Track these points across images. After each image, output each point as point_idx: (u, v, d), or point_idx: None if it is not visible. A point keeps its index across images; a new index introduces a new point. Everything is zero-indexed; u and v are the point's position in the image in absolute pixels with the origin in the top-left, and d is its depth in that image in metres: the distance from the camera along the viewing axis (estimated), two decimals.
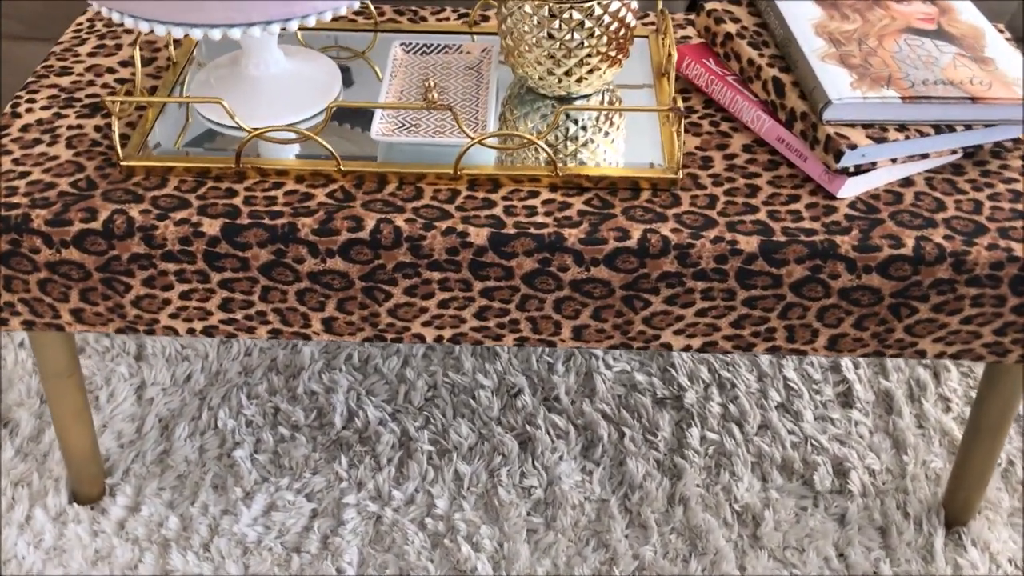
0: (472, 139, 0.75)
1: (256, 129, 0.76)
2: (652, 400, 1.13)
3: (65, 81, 0.87)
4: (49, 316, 0.79)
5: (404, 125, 0.81)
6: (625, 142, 0.82)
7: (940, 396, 1.14)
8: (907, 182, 0.78)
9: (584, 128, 0.83)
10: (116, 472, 1.05)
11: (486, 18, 0.97)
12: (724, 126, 0.84)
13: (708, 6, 0.88)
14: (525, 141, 0.78)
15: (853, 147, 0.73)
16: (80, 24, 0.96)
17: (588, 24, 0.78)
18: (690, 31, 0.96)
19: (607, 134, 0.82)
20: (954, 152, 0.78)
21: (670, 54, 0.83)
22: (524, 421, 1.11)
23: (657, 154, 0.80)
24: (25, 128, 0.82)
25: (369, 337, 0.80)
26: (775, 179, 0.78)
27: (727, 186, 0.78)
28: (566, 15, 0.77)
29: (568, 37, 0.78)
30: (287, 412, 1.11)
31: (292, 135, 0.77)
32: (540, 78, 0.82)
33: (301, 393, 1.13)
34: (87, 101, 0.85)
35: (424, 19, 0.97)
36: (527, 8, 0.78)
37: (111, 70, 0.89)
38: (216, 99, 0.74)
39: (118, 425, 1.10)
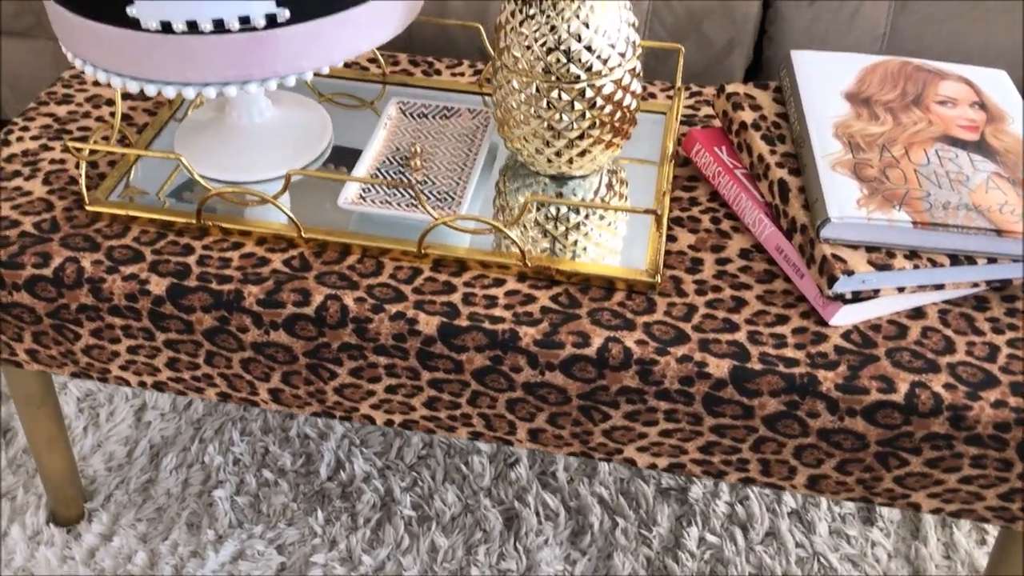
0: (435, 219, 0.71)
1: (217, 188, 0.73)
2: (655, 489, 1.06)
3: (63, 110, 0.87)
4: (7, 352, 0.78)
5: (378, 192, 0.77)
6: (611, 232, 0.75)
7: (976, 525, 1.03)
8: (918, 313, 0.69)
9: (566, 215, 0.77)
10: (98, 496, 1.05)
11: None
12: (725, 224, 0.77)
13: (729, 88, 0.81)
14: (487, 223, 0.73)
15: (850, 273, 0.65)
16: None
17: (578, 106, 0.72)
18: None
19: (589, 225, 0.76)
20: (976, 285, 0.69)
21: (679, 139, 0.76)
22: (514, 496, 1.05)
23: (642, 253, 0.73)
24: (9, 159, 0.81)
25: (317, 412, 0.76)
26: (766, 294, 0.71)
27: (710, 296, 0.70)
28: (554, 94, 0.72)
29: (557, 118, 0.73)
30: (275, 455, 1.08)
31: (252, 197, 0.73)
32: (530, 156, 0.77)
33: (294, 435, 1.11)
34: (76, 134, 0.84)
35: (438, 72, 0.93)
36: (515, 83, 0.73)
37: (110, 102, 0.88)
38: (176, 154, 0.71)
39: (111, 447, 1.10)
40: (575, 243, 0.75)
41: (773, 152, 0.75)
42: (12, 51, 1.44)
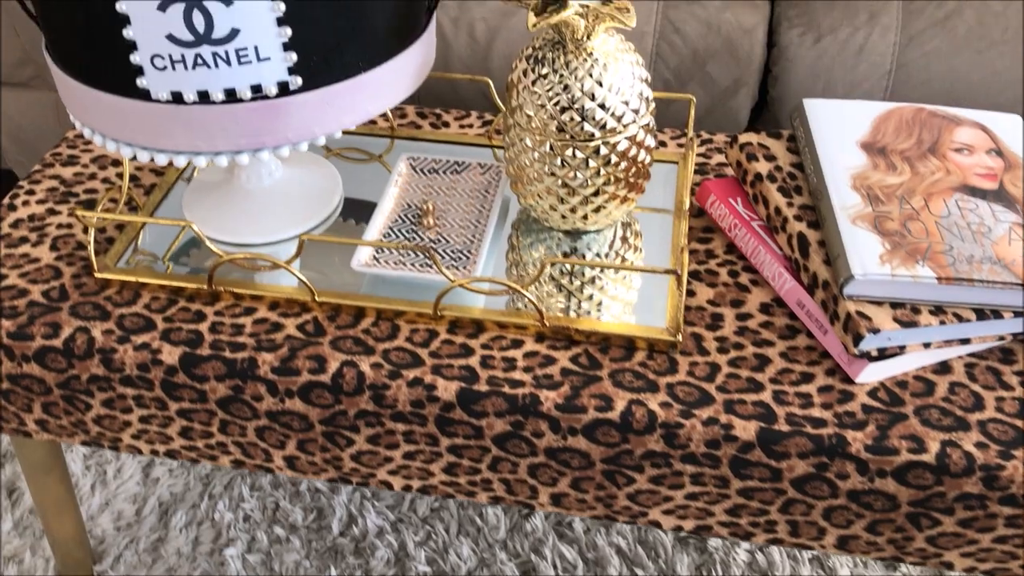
0: (452, 282, 0.69)
1: (228, 253, 0.71)
2: (674, 538, 1.04)
3: (68, 172, 0.86)
4: (15, 423, 0.77)
5: (392, 253, 0.76)
6: (626, 286, 0.74)
7: None
8: (944, 367, 0.68)
9: (581, 270, 0.76)
10: (107, 557, 1.03)
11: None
12: (743, 277, 0.76)
13: (742, 138, 0.80)
14: (503, 284, 0.72)
15: (876, 331, 0.64)
16: None
17: (593, 164, 0.71)
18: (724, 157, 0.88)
19: (604, 280, 0.75)
20: (1002, 337, 0.68)
21: (693, 190, 0.75)
22: (531, 548, 1.03)
23: (661, 307, 0.72)
24: (16, 224, 0.80)
25: (334, 478, 0.74)
26: (789, 351, 0.70)
27: (733, 354, 0.69)
28: (568, 153, 0.71)
29: (571, 176, 0.72)
30: (286, 510, 1.07)
31: (265, 263, 0.72)
32: (544, 212, 0.76)
33: (304, 490, 1.09)
34: (83, 197, 0.83)
35: (446, 124, 0.92)
36: (528, 141, 0.72)
37: (117, 162, 0.87)
38: (186, 222, 0.70)
39: (119, 505, 1.08)
40: (591, 298, 0.74)
41: (790, 204, 0.74)
42: (14, 102, 1.44)
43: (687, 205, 0.72)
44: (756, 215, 0.77)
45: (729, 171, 0.86)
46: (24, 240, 0.79)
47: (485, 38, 1.18)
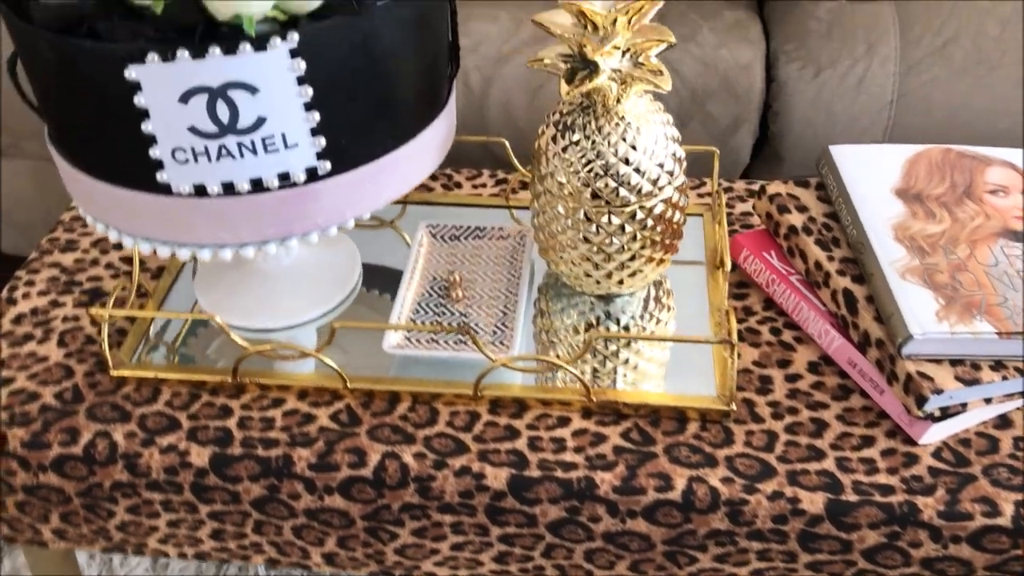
0: (493, 362, 0.66)
1: (255, 343, 0.68)
2: None
3: (68, 259, 0.81)
4: (29, 534, 0.72)
5: (418, 332, 0.73)
6: (662, 347, 0.72)
7: None
8: (1004, 421, 0.66)
9: (623, 340, 0.73)
10: None
11: (525, 184, 0.89)
12: (786, 335, 0.73)
13: (770, 189, 0.78)
14: (549, 362, 0.69)
15: (939, 392, 0.62)
16: None
17: (629, 228, 0.69)
18: (750, 205, 0.86)
19: (641, 344, 0.72)
20: None
21: (722, 260, 0.73)
22: None
23: (708, 374, 0.70)
24: (18, 319, 0.76)
25: (375, 572, 0.71)
26: (845, 412, 0.67)
27: (788, 420, 0.67)
28: (604, 219, 0.68)
29: (607, 242, 0.69)
30: None
31: (291, 351, 0.69)
32: (577, 278, 0.73)
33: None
34: (88, 286, 0.79)
35: (459, 185, 0.89)
36: (560, 209, 0.69)
37: (118, 245, 0.83)
38: (209, 315, 0.66)
39: None
40: (631, 365, 0.71)
41: (831, 258, 0.72)
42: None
43: (728, 266, 0.69)
44: (793, 269, 0.75)
45: (754, 220, 0.84)
46: (29, 337, 0.74)
47: (480, 87, 1.16)
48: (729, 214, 0.85)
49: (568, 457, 0.65)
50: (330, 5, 0.54)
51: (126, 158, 0.58)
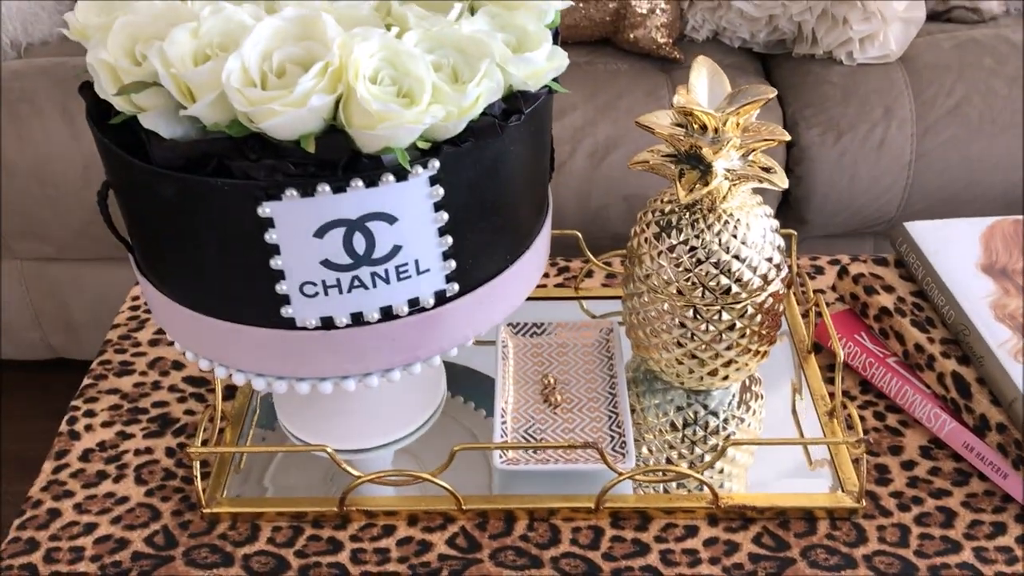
0: (621, 475, 0.64)
1: (369, 472, 0.64)
2: None
3: (127, 384, 0.77)
4: None
5: (526, 439, 0.70)
6: (783, 448, 0.70)
7: None
8: None
9: (713, 429, 0.72)
10: None
11: (590, 273, 0.87)
12: (891, 419, 0.73)
13: (853, 270, 0.78)
14: (681, 472, 0.67)
15: None
16: (136, 297, 0.86)
17: (740, 324, 0.67)
18: (821, 282, 0.86)
19: (760, 447, 0.71)
20: None
21: (835, 356, 0.72)
22: None
23: (823, 469, 0.68)
24: (86, 456, 0.71)
25: None
26: (969, 499, 0.67)
27: (915, 511, 0.66)
28: (715, 316, 0.67)
29: (717, 339, 0.68)
30: None
31: (404, 477, 0.65)
32: (679, 376, 0.71)
33: None
34: (154, 412, 0.74)
35: None
36: (665, 306, 0.68)
37: (178, 364, 0.78)
38: (320, 446, 0.63)
39: None
40: (742, 463, 0.69)
41: (931, 340, 0.72)
42: (43, 271, 1.31)
43: (841, 357, 0.69)
44: (888, 351, 0.75)
45: (827, 296, 0.84)
46: (103, 475, 0.69)
47: None
48: (802, 292, 0.85)
49: (705, 570, 0.63)
50: (472, 128, 0.52)
51: (247, 294, 0.55)
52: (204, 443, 0.69)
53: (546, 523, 0.66)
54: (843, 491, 0.66)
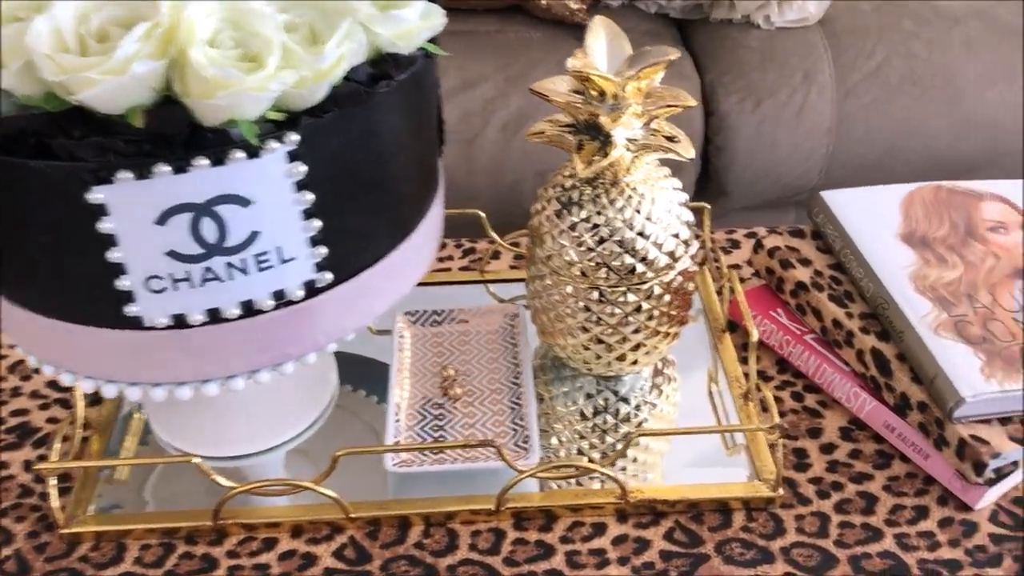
0: (521, 473, 0.59)
1: (241, 483, 0.58)
2: None
3: None
4: None
5: (422, 437, 0.65)
6: (696, 436, 0.66)
7: None
8: None
9: (624, 417, 0.67)
10: None
11: (497, 254, 0.82)
12: (809, 400, 0.69)
13: (768, 243, 0.74)
14: (584, 468, 0.62)
15: (997, 455, 0.59)
16: None
17: (647, 306, 0.63)
18: (735, 256, 0.82)
19: (650, 421, 0.67)
20: None
21: (731, 325, 0.68)
22: None
23: (740, 456, 0.64)
24: None
25: None
26: (891, 482, 0.63)
27: (835, 497, 0.62)
28: (621, 298, 0.62)
29: (624, 322, 0.63)
30: None
31: (283, 487, 0.59)
32: (586, 362, 0.67)
33: None
34: (12, 422, 0.67)
35: None
36: (569, 289, 0.63)
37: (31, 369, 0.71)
38: (185, 456, 0.57)
39: None
40: (653, 455, 0.65)
41: (849, 315, 0.68)
42: None
43: (755, 337, 0.64)
44: (805, 327, 0.71)
45: (743, 272, 0.80)
46: None
47: None
48: (717, 268, 0.80)
49: (613, 571, 0.58)
50: (335, 96, 0.46)
51: (84, 291, 0.48)
52: (65, 455, 0.62)
53: (443, 528, 0.61)
54: (759, 480, 0.62)
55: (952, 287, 0.67)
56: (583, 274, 0.62)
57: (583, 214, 0.61)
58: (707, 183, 1.16)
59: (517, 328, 0.72)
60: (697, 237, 0.82)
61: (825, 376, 0.69)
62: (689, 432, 0.63)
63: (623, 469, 0.64)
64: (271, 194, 0.47)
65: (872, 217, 0.73)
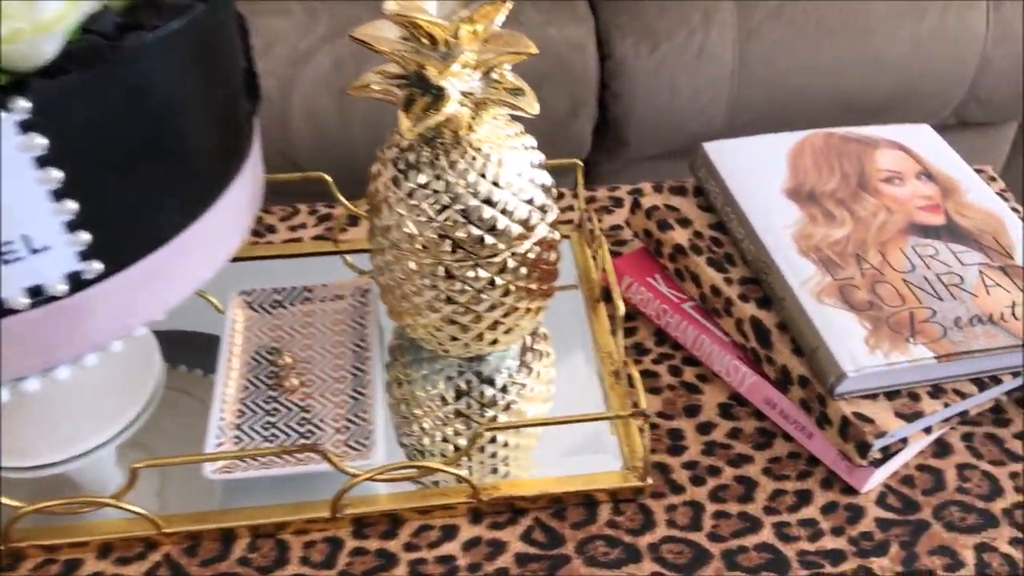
0: (355, 476, 0.52)
1: (32, 503, 0.51)
2: None
3: None
4: None
5: (250, 436, 0.57)
6: (555, 413, 0.60)
7: None
8: (942, 448, 0.59)
9: (483, 396, 0.61)
10: None
11: (354, 220, 0.74)
12: (688, 374, 0.63)
13: (645, 202, 0.67)
14: (425, 468, 0.55)
15: (882, 434, 0.53)
16: None
17: (500, 281, 0.56)
18: (617, 216, 0.75)
19: (519, 404, 0.60)
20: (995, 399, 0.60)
21: (606, 296, 0.61)
22: None
23: (606, 437, 0.58)
24: None
25: None
26: (772, 464, 0.58)
27: (711, 483, 0.57)
28: (470, 274, 0.55)
29: (475, 300, 0.56)
30: None
31: (82, 504, 0.52)
32: (441, 344, 0.60)
33: None
34: None
35: (272, 229, 0.73)
36: (412, 265, 0.55)
37: None
38: None
39: None
40: (516, 447, 0.59)
41: (728, 281, 0.62)
42: None
43: (622, 311, 0.58)
44: (684, 294, 0.65)
45: (626, 234, 0.73)
46: None
47: (278, 94, 0.99)
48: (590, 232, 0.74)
49: None
50: (71, 53, 0.38)
51: None
52: None
53: (273, 539, 0.54)
54: (628, 468, 0.57)
55: (839, 247, 0.61)
56: (425, 248, 0.55)
57: (421, 179, 0.53)
58: (605, 132, 1.09)
59: (368, 306, 0.65)
60: (562, 198, 0.75)
61: (704, 348, 0.63)
62: (543, 423, 0.57)
63: (480, 464, 0.58)
64: (3, 173, 0.39)
65: (757, 170, 0.67)
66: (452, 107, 0.50)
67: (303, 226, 0.74)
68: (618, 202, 0.76)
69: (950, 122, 1.19)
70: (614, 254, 0.71)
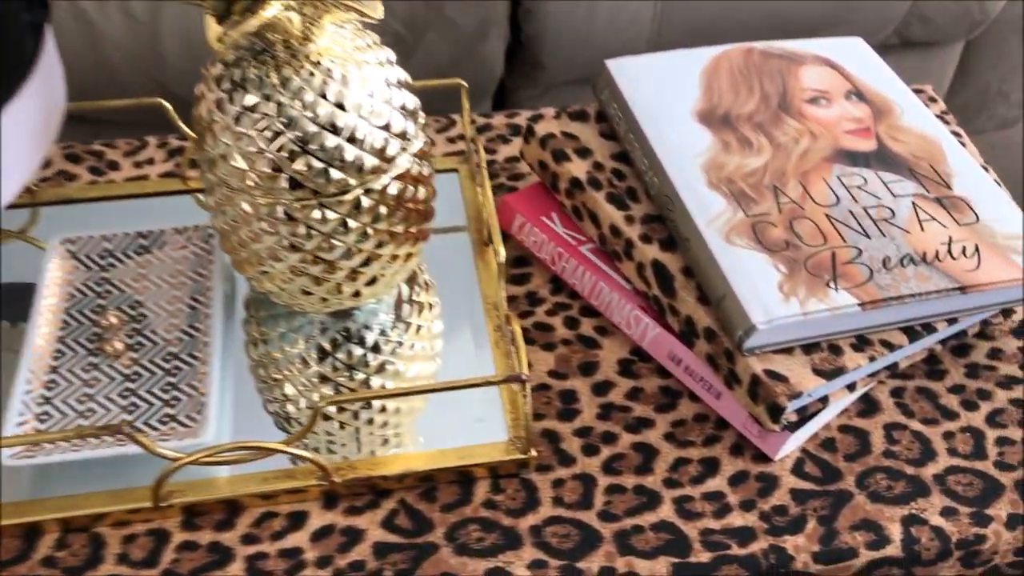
0: (174, 461, 0.44)
1: None
2: None
3: None
4: None
5: (63, 411, 0.49)
6: (425, 370, 0.52)
7: None
8: (868, 406, 0.52)
9: (357, 365, 0.53)
10: None
11: None
12: (586, 326, 0.55)
13: (540, 129, 0.59)
14: (264, 448, 0.47)
15: (797, 395, 0.46)
16: None
17: (355, 224, 0.47)
18: (516, 146, 0.67)
19: (388, 372, 0.52)
20: (928, 349, 0.53)
21: (491, 239, 0.53)
22: None
23: (491, 403, 0.51)
24: None
25: None
26: (676, 428, 0.51)
27: (606, 453, 0.49)
28: (315, 215, 0.46)
29: (325, 247, 0.47)
30: None
31: None
32: (293, 297, 0.51)
33: None
34: None
35: (115, 166, 0.63)
36: (246, 207, 0.46)
37: None
38: None
39: None
40: (380, 418, 0.51)
41: (630, 220, 0.54)
42: None
43: (503, 256, 0.49)
44: (582, 235, 0.57)
45: (525, 168, 0.65)
46: None
47: (149, 15, 0.88)
48: (492, 163, 0.65)
49: (310, 574, 0.44)
50: None
51: None
52: None
53: (87, 534, 0.46)
54: (511, 439, 0.49)
55: (755, 178, 0.53)
56: (257, 184, 0.45)
57: (248, 100, 0.44)
58: (519, 53, 0.99)
59: (212, 255, 0.56)
60: (454, 125, 0.66)
61: (603, 297, 0.55)
62: (394, 395, 0.49)
63: (342, 441, 0.50)
64: None
65: (665, 91, 0.58)
66: (272, 11, 0.41)
67: (150, 161, 0.64)
68: (517, 130, 0.68)
69: (891, 42, 1.11)
70: (510, 191, 0.62)
